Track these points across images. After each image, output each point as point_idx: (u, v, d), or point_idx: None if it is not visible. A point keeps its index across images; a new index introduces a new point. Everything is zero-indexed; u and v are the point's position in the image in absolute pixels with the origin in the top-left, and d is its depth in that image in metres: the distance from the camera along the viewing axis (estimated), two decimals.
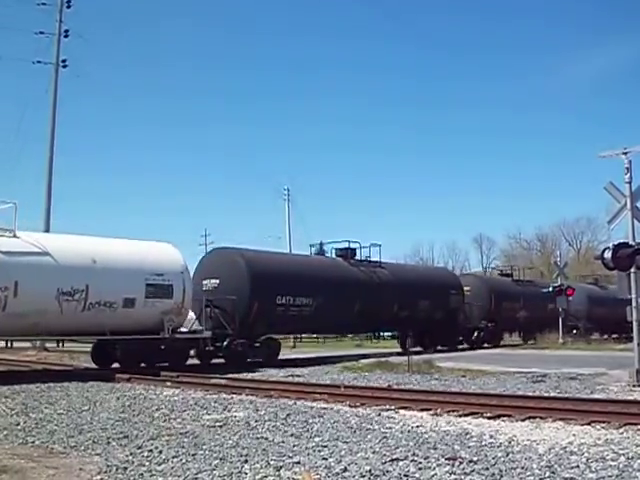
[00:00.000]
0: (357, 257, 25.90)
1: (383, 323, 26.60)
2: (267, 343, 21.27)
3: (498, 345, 30.98)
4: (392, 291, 25.25)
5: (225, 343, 19.84)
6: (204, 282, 21.32)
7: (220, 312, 20.27)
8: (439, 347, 27.51)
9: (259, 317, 20.60)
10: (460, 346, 29.65)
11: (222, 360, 20.26)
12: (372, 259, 26.01)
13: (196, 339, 19.36)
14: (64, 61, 31.57)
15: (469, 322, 30.19)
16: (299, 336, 29.45)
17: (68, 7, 31.82)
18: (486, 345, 30.64)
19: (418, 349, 24.90)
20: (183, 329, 19.29)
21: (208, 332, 19.50)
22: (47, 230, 27.52)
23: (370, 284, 24.77)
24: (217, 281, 21.14)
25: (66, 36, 31.74)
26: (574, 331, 35.61)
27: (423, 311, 26.73)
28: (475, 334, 30.54)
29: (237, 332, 20.13)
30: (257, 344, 20.77)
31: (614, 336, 36.65)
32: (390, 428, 8.49)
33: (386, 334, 31.08)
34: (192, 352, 19.71)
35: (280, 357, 21.93)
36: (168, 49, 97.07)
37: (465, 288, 30.26)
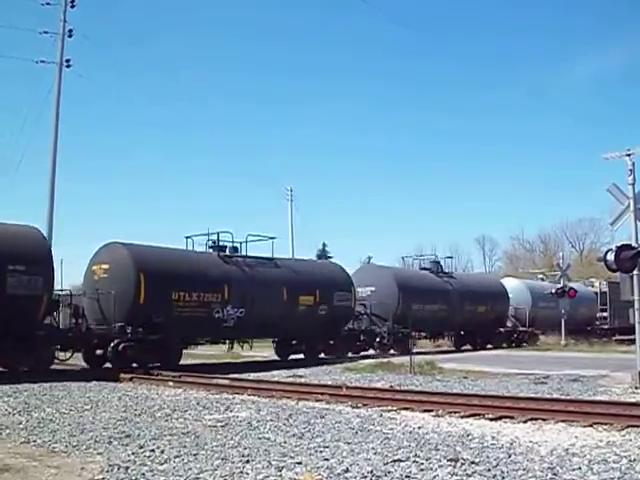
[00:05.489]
0: None
1: None
2: None
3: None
4: None
5: None
6: None
7: None
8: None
9: None
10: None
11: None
12: None
13: None
14: (68, 61, 31.60)
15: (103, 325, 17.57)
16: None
17: (72, 7, 31.82)
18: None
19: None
20: None
21: None
22: (50, 232, 27.42)
23: None
24: None
25: (70, 36, 31.75)
26: (377, 339, 25.04)
27: None
28: (113, 345, 16.97)
29: None
30: None
31: (466, 347, 28.26)
32: (392, 429, 8.49)
33: None
34: None
35: None
36: (173, 53, 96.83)
37: (103, 266, 18.20)
